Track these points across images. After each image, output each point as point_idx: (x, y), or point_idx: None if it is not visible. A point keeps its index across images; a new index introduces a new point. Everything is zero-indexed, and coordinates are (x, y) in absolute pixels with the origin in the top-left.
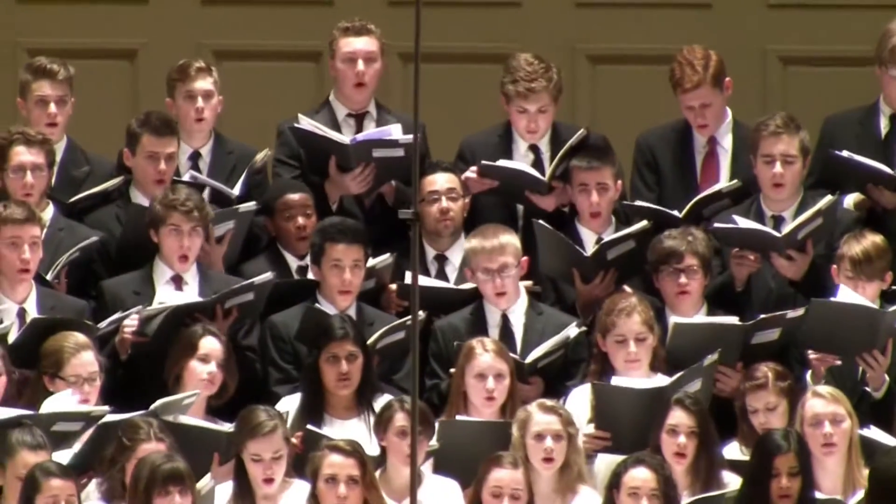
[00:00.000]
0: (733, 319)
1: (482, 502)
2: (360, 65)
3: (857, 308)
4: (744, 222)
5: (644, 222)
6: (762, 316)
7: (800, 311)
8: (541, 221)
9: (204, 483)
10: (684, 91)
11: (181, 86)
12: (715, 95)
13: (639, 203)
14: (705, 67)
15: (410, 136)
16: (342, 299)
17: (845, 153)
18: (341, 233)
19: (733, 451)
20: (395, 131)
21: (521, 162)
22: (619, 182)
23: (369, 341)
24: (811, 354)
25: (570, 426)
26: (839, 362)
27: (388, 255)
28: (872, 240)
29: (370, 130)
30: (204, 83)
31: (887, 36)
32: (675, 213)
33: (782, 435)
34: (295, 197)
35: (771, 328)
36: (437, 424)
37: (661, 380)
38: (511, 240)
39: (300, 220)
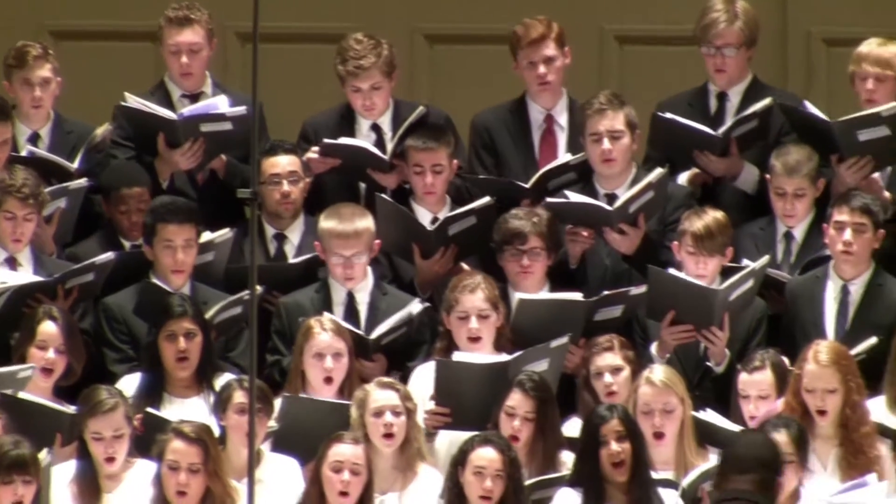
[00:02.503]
0: (577, 296)
1: (323, 479)
2: (184, 58)
3: (690, 285)
4: (576, 196)
5: (486, 198)
6: (606, 293)
7: (643, 288)
8: (383, 195)
9: (40, 457)
10: (530, 43)
11: (18, 72)
12: (558, 54)
13: (485, 177)
14: (549, 27)
15: (238, 109)
16: (176, 278)
17: (668, 115)
18: (171, 212)
19: (574, 427)
20: (221, 104)
21: (363, 141)
22: (456, 161)
23: (207, 316)
24: (665, 330)
25: (409, 401)
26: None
27: (227, 230)
28: (713, 215)
29: (196, 105)
30: (42, 71)
31: (702, 14)
32: (522, 184)
33: (606, 407)
34: (131, 192)
35: (614, 305)
36: (277, 402)
37: (504, 356)
38: (366, 225)
39: (134, 217)
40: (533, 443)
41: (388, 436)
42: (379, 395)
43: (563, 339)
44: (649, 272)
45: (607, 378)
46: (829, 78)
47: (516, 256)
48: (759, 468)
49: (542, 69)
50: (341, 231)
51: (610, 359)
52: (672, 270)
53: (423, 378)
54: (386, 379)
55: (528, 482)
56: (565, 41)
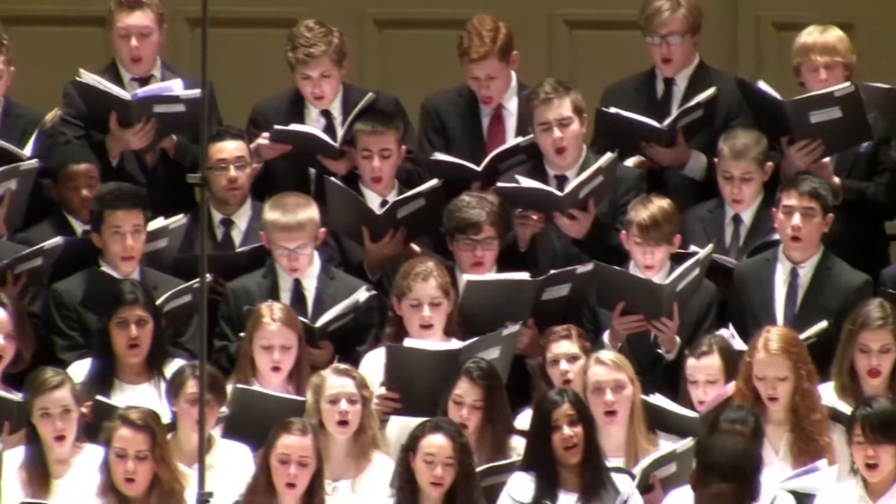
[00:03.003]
0: (524, 275)
1: (271, 468)
2: (134, 41)
3: (637, 281)
4: (526, 182)
5: (434, 181)
6: (553, 272)
7: (588, 266)
8: (332, 178)
9: None
10: (471, 61)
11: None
12: (501, 69)
13: (438, 156)
14: (493, 40)
15: (191, 92)
16: (125, 265)
17: (613, 109)
18: (119, 199)
19: (527, 419)
20: (175, 87)
21: (313, 127)
22: (404, 147)
23: (157, 303)
24: (616, 319)
25: (365, 389)
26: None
27: (181, 215)
28: (659, 204)
29: (151, 86)
30: None
31: (645, 3)
32: (473, 166)
33: (557, 392)
34: (79, 168)
35: (561, 283)
36: (228, 389)
37: (456, 343)
38: (310, 216)
39: (84, 191)
40: (482, 430)
41: (343, 423)
42: (335, 381)
43: (515, 327)
44: (595, 268)
45: (563, 366)
46: (778, 62)
47: (470, 246)
48: (740, 476)
49: (483, 91)
50: (285, 224)
51: (567, 347)
52: (617, 267)
53: (374, 363)
54: (343, 366)
55: (478, 469)
56: (512, 46)
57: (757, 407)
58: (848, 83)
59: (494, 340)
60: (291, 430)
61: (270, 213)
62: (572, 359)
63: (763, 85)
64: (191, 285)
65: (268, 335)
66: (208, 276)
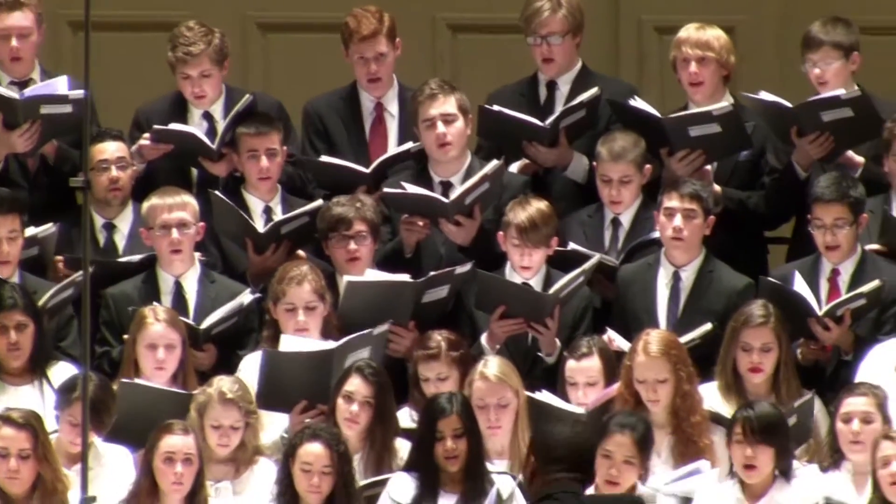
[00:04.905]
0: (405, 277)
1: (155, 470)
2: (14, 41)
3: (520, 289)
4: (412, 188)
5: (319, 201)
6: (432, 273)
7: (467, 267)
8: (216, 192)
9: None
10: (362, 39)
11: None
12: (389, 48)
13: (325, 159)
14: (381, 20)
15: (78, 92)
16: (2, 269)
17: (496, 107)
18: None
19: (405, 417)
20: (61, 86)
21: (193, 128)
22: (285, 148)
23: (40, 302)
24: (494, 322)
25: (250, 416)
26: (519, 329)
27: (50, 224)
28: (537, 206)
29: (37, 85)
30: None
31: (526, 4)
32: (361, 168)
33: (446, 398)
34: None
35: (440, 285)
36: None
37: (329, 343)
38: (191, 200)
39: None
40: (370, 428)
41: (223, 446)
42: (220, 412)
43: (384, 327)
44: (478, 276)
45: (432, 388)
46: (661, 66)
47: (342, 242)
48: (582, 463)
49: (373, 66)
50: (165, 201)
51: (436, 368)
52: (501, 273)
53: (252, 367)
54: (230, 393)
55: (361, 483)
56: (396, 33)
57: (639, 410)
58: (726, 103)
59: (366, 340)
60: (174, 431)
61: (150, 200)
62: (442, 380)
63: (637, 102)
64: (73, 280)
65: (152, 335)
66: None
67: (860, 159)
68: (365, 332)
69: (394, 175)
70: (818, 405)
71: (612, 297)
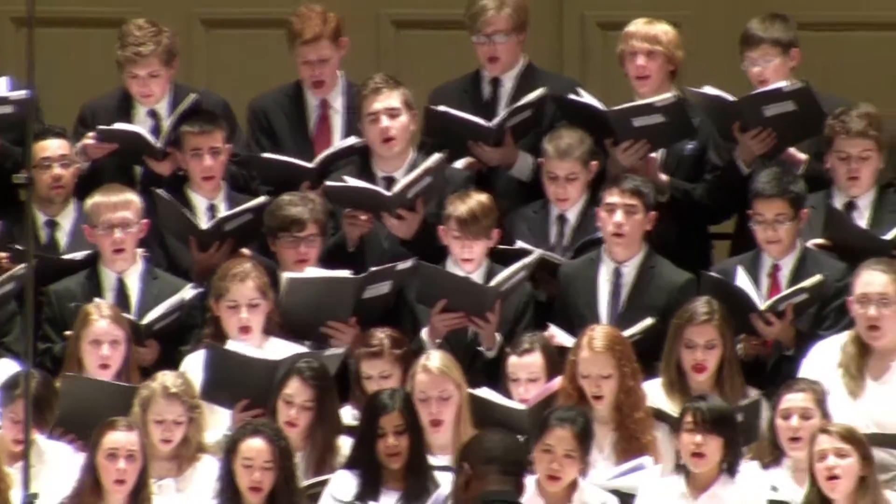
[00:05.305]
0: (346, 273)
1: (98, 467)
2: None
3: (463, 281)
4: (354, 182)
5: (262, 198)
6: (373, 269)
7: (408, 263)
8: (159, 191)
9: None
10: (304, 42)
11: None
12: (332, 50)
13: (268, 155)
14: (324, 21)
15: (20, 93)
16: None
17: (442, 108)
18: None
19: (346, 414)
20: (1, 87)
21: (138, 126)
22: (229, 146)
23: None
24: (435, 316)
25: (193, 411)
26: (460, 323)
27: None
28: (478, 199)
29: None
30: None
31: (470, 2)
32: (305, 163)
33: (388, 395)
34: None
35: (382, 281)
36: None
37: (280, 349)
38: (134, 198)
39: None
40: (311, 430)
41: (166, 441)
42: (163, 406)
43: (340, 350)
44: (420, 267)
45: (374, 385)
46: (604, 61)
47: (293, 243)
48: (518, 470)
49: (315, 70)
50: (107, 200)
51: (379, 366)
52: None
53: (196, 364)
54: (174, 388)
55: (304, 484)
56: (342, 33)
57: (581, 406)
58: (669, 94)
59: (318, 357)
60: (117, 427)
61: (92, 198)
62: (385, 377)
63: (584, 94)
64: (14, 273)
65: (96, 331)
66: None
67: (803, 156)
68: (317, 351)
69: (338, 171)
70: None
71: (555, 294)
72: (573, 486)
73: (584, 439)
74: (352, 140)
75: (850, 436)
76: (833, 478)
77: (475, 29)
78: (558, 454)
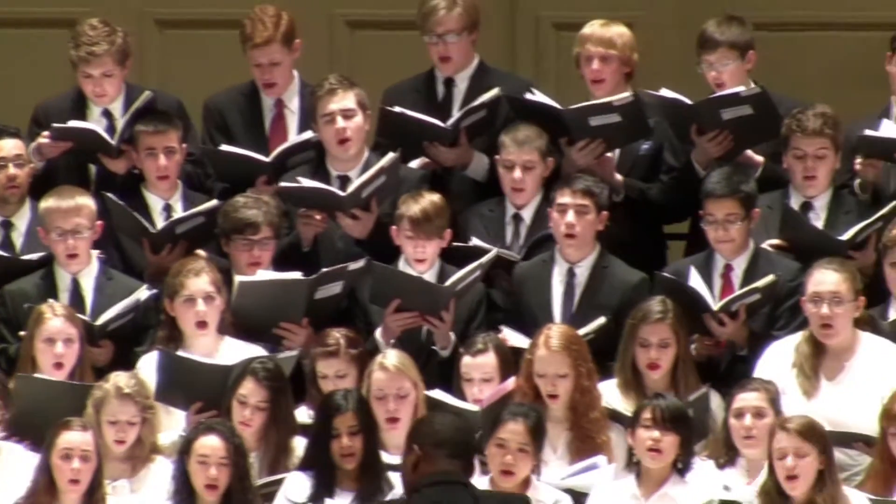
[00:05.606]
0: (297, 274)
1: (52, 467)
2: None
3: (418, 281)
4: (308, 182)
5: (214, 202)
6: (324, 270)
7: (360, 263)
8: (110, 195)
9: None
10: (255, 46)
11: None
12: (284, 54)
13: (224, 148)
14: (276, 25)
15: None
16: None
17: (397, 108)
18: None
19: (302, 414)
20: None
21: (94, 125)
22: (185, 146)
23: None
24: (389, 316)
25: (147, 411)
26: (414, 322)
27: None
28: (430, 199)
29: None
30: None
31: (422, 2)
32: (261, 157)
33: (342, 395)
34: None
35: (333, 281)
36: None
37: (235, 349)
38: (87, 202)
39: None
40: (265, 430)
41: (120, 442)
42: (116, 407)
43: (293, 353)
44: (373, 267)
45: (330, 385)
46: (558, 62)
47: (247, 246)
48: (467, 452)
49: (266, 74)
50: (60, 206)
51: (335, 366)
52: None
53: (150, 366)
54: (127, 389)
55: (258, 483)
56: (295, 35)
57: (537, 405)
58: (627, 94)
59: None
60: (72, 427)
61: (46, 201)
62: (341, 377)
63: (535, 95)
64: None
65: (50, 330)
66: None
67: (760, 158)
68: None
69: (293, 170)
70: (717, 401)
71: (509, 293)
72: (526, 483)
73: (538, 434)
74: (308, 134)
75: (808, 431)
76: (792, 477)
77: (426, 29)
78: (512, 448)
